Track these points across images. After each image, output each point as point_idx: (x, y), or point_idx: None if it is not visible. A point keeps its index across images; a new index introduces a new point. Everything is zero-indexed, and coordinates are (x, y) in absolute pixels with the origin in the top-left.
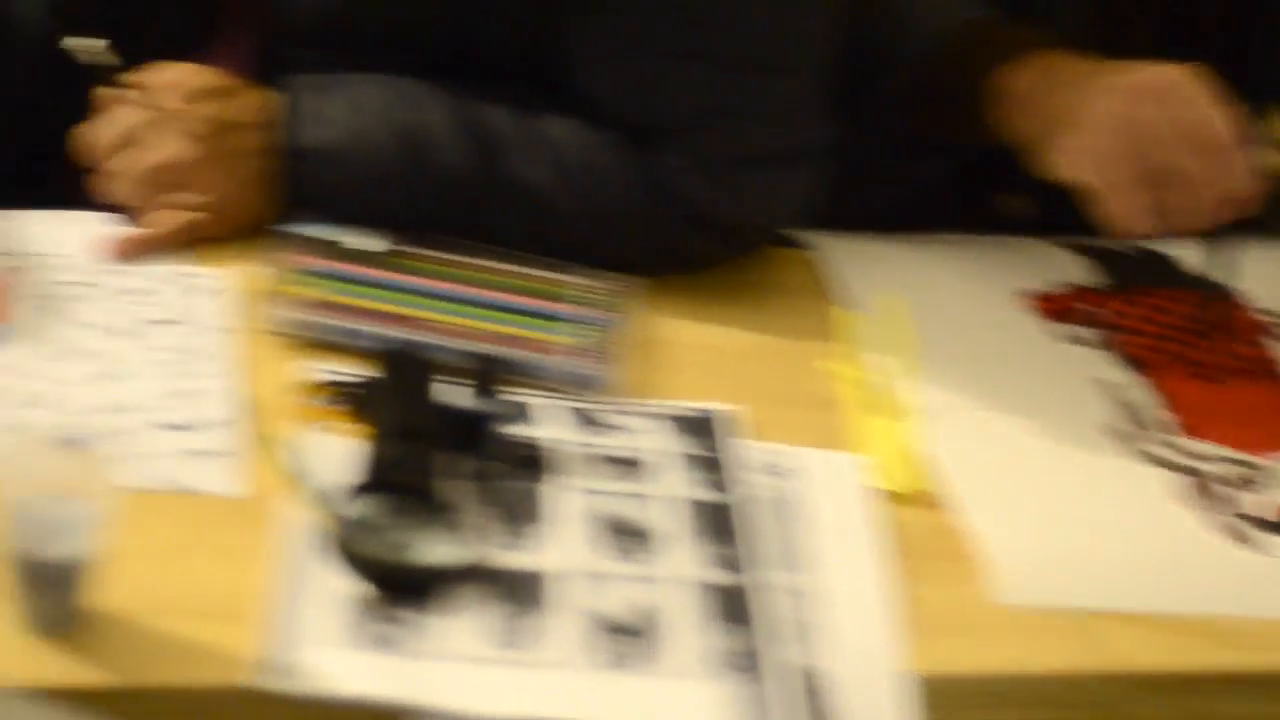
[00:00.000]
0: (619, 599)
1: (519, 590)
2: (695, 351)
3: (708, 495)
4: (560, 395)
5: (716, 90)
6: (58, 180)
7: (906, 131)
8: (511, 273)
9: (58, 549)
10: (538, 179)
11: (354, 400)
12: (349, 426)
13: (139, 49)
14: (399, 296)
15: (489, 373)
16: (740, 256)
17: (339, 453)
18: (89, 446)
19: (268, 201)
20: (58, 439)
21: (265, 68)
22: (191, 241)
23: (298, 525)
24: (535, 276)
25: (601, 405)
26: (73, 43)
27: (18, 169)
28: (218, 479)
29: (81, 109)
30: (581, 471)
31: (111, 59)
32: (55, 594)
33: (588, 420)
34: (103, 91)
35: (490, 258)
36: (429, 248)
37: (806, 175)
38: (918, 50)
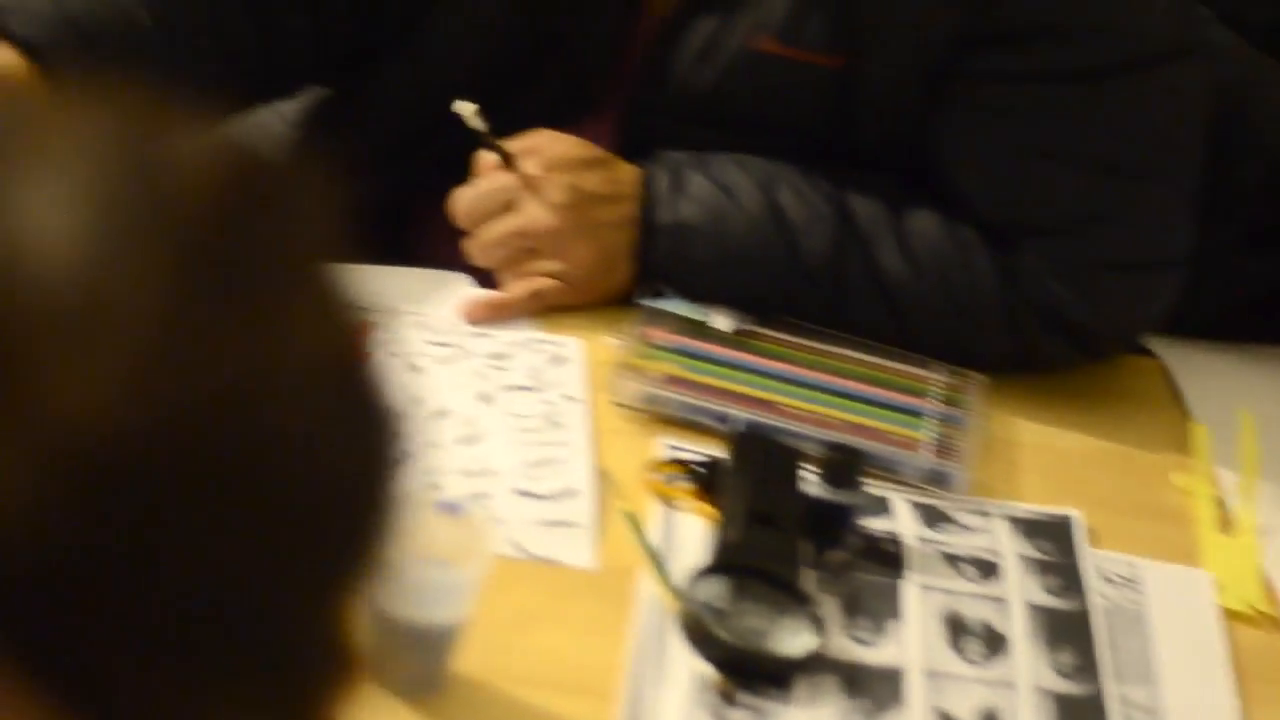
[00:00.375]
0: (964, 700)
1: (867, 684)
2: (1039, 453)
3: (1055, 601)
4: (912, 490)
5: (1086, 195)
6: (432, 240)
7: (1267, 221)
8: (867, 363)
9: (434, 614)
10: (899, 271)
11: (707, 480)
12: (700, 506)
13: (514, 116)
14: (751, 378)
15: (850, 464)
16: (1094, 362)
17: (691, 532)
18: (467, 511)
19: (626, 274)
20: (436, 502)
21: (634, 141)
22: (547, 309)
23: (651, 602)
24: (894, 369)
25: (954, 503)
26: (460, 106)
27: (391, 225)
28: (574, 550)
29: (458, 172)
30: (931, 569)
31: (484, 124)
32: (426, 658)
33: (939, 517)
34: (479, 156)
35: (842, 345)
36: (782, 330)
37: (1169, 282)
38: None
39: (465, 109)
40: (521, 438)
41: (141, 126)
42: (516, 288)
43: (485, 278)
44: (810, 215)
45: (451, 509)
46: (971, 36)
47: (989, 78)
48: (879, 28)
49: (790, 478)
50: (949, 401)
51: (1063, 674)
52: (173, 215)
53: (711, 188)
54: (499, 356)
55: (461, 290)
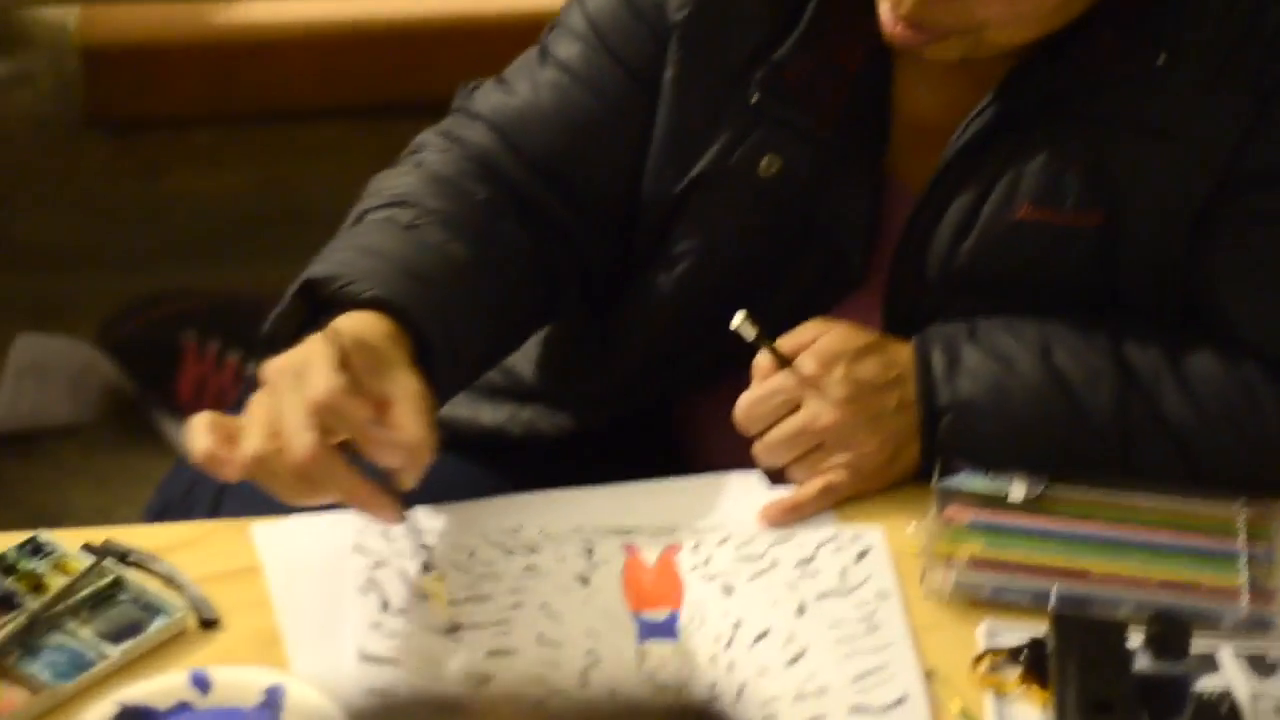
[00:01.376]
0: None
1: None
2: None
3: None
4: (1237, 640)
5: None
6: (708, 448)
7: None
8: (1168, 508)
9: None
10: (1185, 417)
11: (1035, 665)
12: (1032, 690)
13: (776, 305)
14: (1058, 545)
15: (1178, 632)
16: None
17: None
18: None
19: (914, 455)
20: None
21: (900, 315)
22: (836, 502)
23: None
24: (1196, 510)
25: (1274, 651)
26: (739, 321)
27: (665, 437)
28: None
29: (728, 375)
30: None
31: (754, 329)
32: None
33: (1263, 668)
34: (758, 360)
35: (1138, 491)
36: (1079, 487)
37: None
38: None
39: (737, 319)
40: (843, 649)
41: None
42: (809, 485)
43: (772, 478)
44: (1090, 373)
45: None
46: (1227, 181)
47: (1252, 218)
48: (1134, 181)
49: (1118, 655)
50: (1254, 535)
51: None
52: None
53: (988, 360)
54: (806, 562)
55: (755, 491)
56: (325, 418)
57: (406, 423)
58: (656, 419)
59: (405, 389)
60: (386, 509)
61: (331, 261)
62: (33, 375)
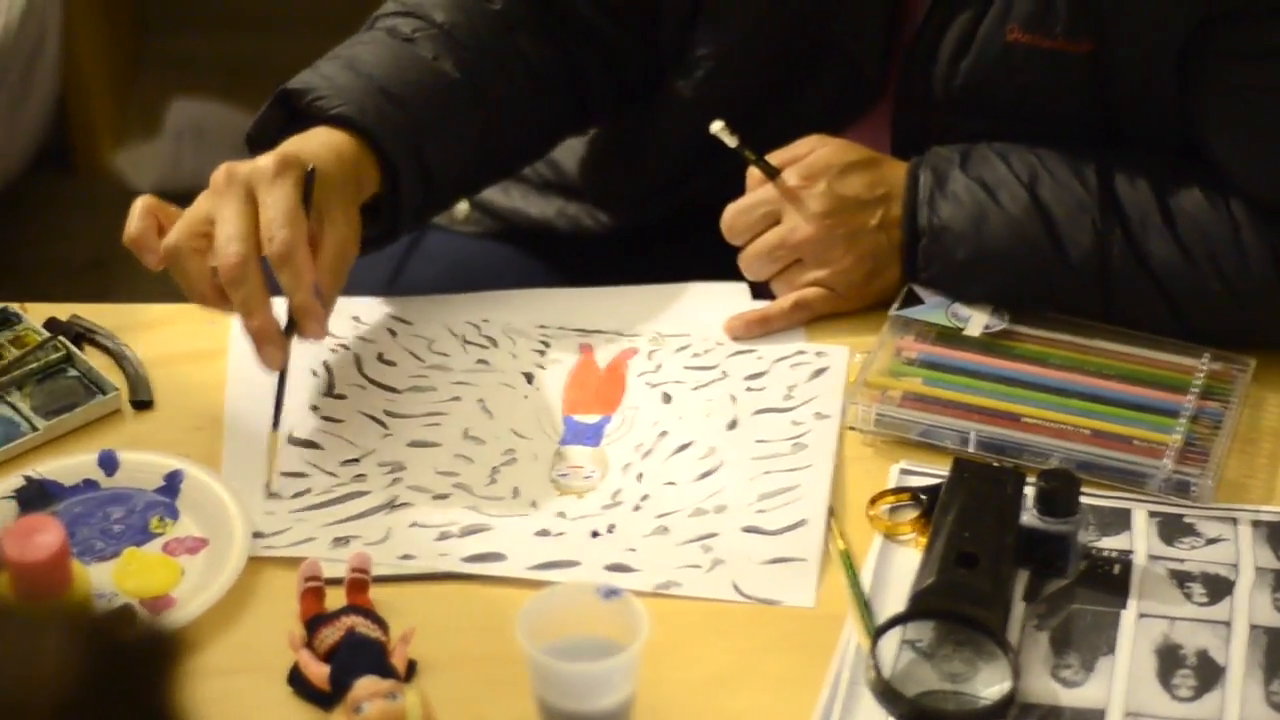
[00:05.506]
0: None
1: None
2: None
3: None
4: (1149, 501)
5: None
6: (714, 259)
7: None
8: (1130, 356)
9: (599, 702)
10: (1167, 256)
11: (928, 512)
12: (921, 540)
13: (792, 122)
14: (998, 387)
15: (1066, 491)
16: None
17: (905, 570)
18: (626, 597)
19: (895, 276)
20: (597, 589)
21: (908, 136)
22: (809, 318)
23: (852, 651)
24: (1158, 361)
25: (1195, 512)
26: (717, 126)
27: (679, 247)
28: (795, 590)
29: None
30: (1155, 593)
31: (734, 139)
32: None
33: (1179, 530)
34: (750, 171)
35: (1108, 338)
36: (1043, 328)
37: None
38: None
39: (716, 126)
40: (760, 466)
41: None
42: (782, 300)
43: (762, 291)
44: (1074, 208)
45: (611, 594)
46: (1209, 17)
47: (1232, 58)
48: (1119, 11)
49: (1008, 507)
50: (1208, 393)
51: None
52: None
53: (972, 187)
54: (756, 376)
55: (734, 303)
56: (260, 236)
57: (320, 270)
58: (682, 239)
59: (334, 235)
60: (273, 349)
61: (315, 73)
62: (191, 138)
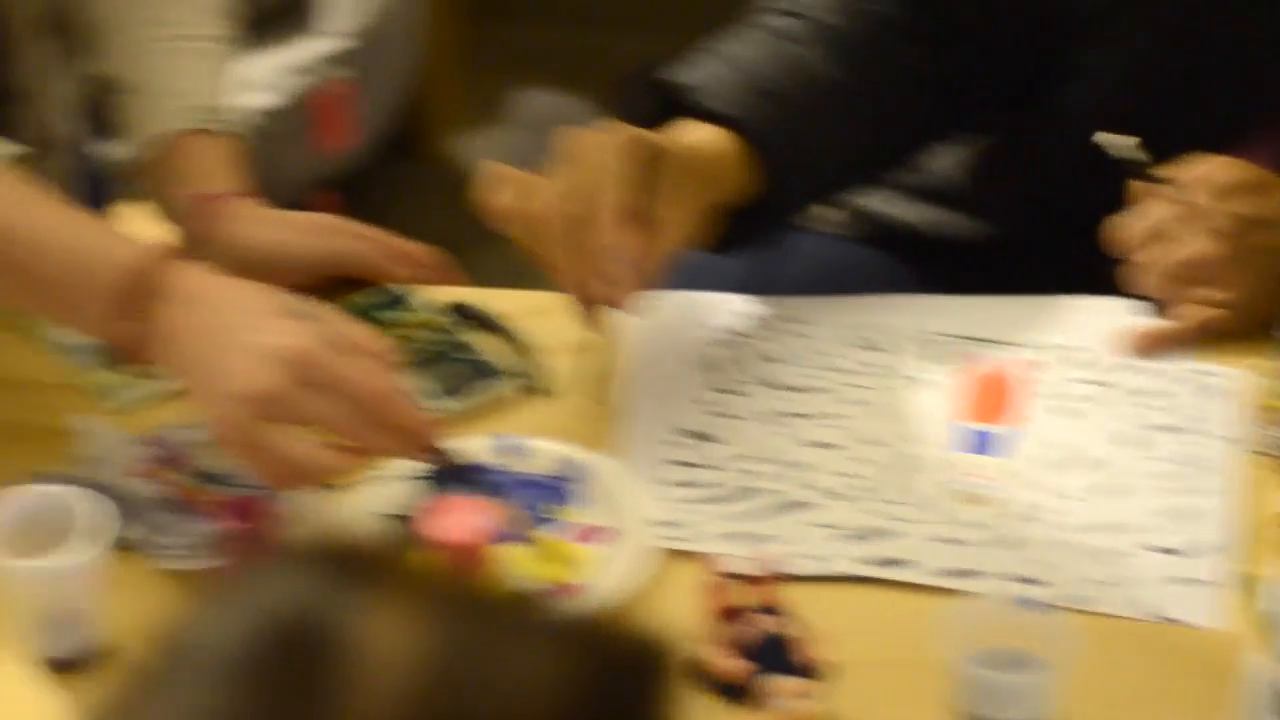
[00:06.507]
0: None
1: None
2: None
3: None
4: None
5: None
6: (1077, 266)
7: None
8: None
9: (1011, 713)
10: None
11: None
12: None
13: (1171, 143)
14: None
15: None
16: None
17: None
18: (1051, 611)
19: None
20: (1017, 600)
21: None
22: (1211, 339)
23: (1260, 677)
24: None
25: None
26: (1104, 138)
27: (1034, 250)
28: (1194, 611)
29: (1113, 201)
30: None
31: (1142, 155)
32: None
33: None
34: (1135, 185)
35: None
36: None
37: None
38: None
39: (1121, 141)
40: (1158, 484)
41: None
42: (1188, 320)
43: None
44: None
45: (1033, 606)
46: None
47: None
48: None
49: None
50: None
51: None
52: None
53: None
54: (1153, 394)
55: (1117, 316)
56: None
57: (648, 251)
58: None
59: (669, 220)
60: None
61: (696, 69)
62: (531, 128)
